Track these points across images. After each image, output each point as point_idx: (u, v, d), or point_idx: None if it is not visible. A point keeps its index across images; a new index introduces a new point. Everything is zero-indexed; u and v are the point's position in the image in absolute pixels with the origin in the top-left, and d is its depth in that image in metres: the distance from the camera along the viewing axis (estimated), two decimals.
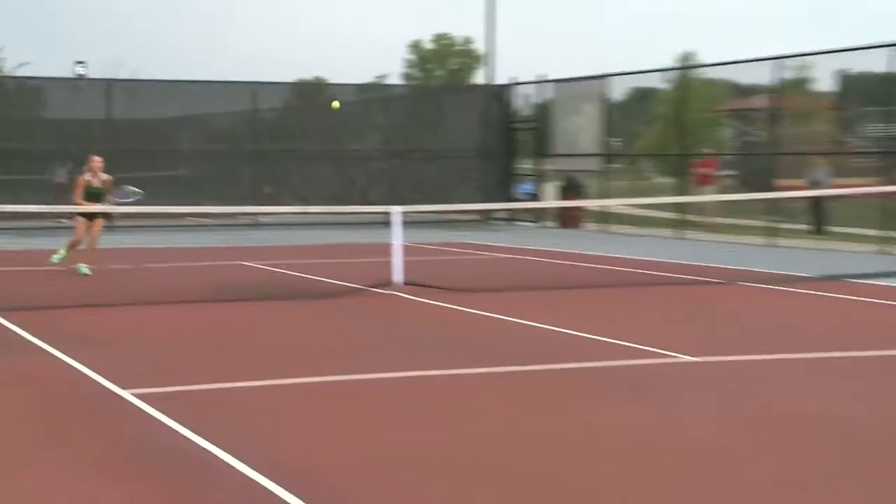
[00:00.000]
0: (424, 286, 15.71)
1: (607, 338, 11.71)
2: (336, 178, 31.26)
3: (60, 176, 29.29)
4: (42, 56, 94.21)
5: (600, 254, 22.12)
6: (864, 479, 6.72)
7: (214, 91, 31.68)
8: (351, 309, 14.42)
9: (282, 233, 25.47)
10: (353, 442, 7.56)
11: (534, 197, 32.31)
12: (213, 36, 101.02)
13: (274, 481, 6.43)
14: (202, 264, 20.06)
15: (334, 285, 16.50)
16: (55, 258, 17.80)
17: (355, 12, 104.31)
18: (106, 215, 18.82)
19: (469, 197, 30.77)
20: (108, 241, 24.25)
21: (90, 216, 17.58)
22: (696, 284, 17.06)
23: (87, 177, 17.68)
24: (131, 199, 18.81)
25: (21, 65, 56.30)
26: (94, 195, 17.59)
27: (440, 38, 77.50)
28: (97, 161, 17.89)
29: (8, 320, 12.90)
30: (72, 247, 17.82)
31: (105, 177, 17.86)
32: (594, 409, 8.66)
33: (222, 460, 6.97)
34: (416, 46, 77.28)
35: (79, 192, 17.61)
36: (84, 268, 17.48)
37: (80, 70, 32.43)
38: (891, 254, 18.68)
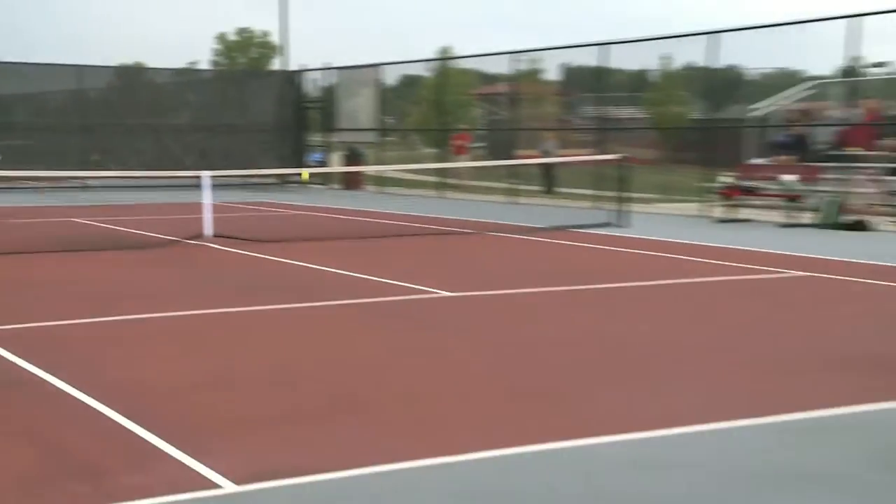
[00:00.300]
0: (231, 238, 15.49)
1: (382, 278, 11.75)
2: (155, 147, 30.47)
3: None
4: None
5: (377, 210, 22.21)
6: (584, 386, 6.96)
7: (45, 72, 30.43)
8: (168, 257, 14.10)
9: (108, 195, 24.65)
10: (169, 368, 7.44)
11: (322, 164, 32.21)
12: (48, 20, 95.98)
13: (97, 399, 6.29)
14: (37, 220, 19.26)
15: (153, 238, 16.09)
16: None
17: (171, 5, 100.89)
18: None
19: (268, 164, 30.45)
20: None
21: None
22: (453, 235, 17.28)
23: None
24: None
25: None
26: None
27: (242, 32, 76.06)
28: None
29: None
30: None
31: None
32: (373, 335, 8.70)
33: (55, 385, 6.76)
34: (221, 38, 75.66)
35: None
36: None
37: None
38: (602, 209, 19.31)
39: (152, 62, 32.33)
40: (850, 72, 20.23)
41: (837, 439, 5.70)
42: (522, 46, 26.69)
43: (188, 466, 5.15)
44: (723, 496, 4.81)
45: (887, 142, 21.77)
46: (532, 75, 29.05)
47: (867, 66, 26.26)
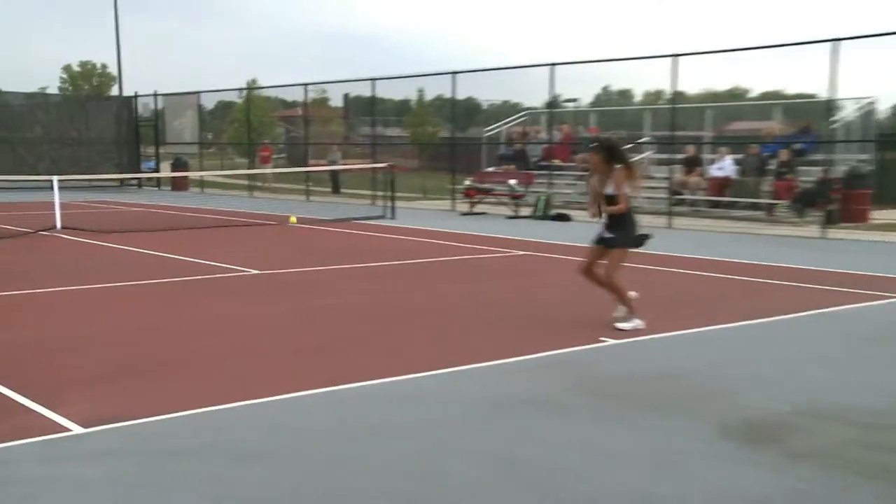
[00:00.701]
0: (77, 229, 14.62)
1: (201, 260, 11.42)
2: (10, 157, 28.26)
3: None
4: None
5: (199, 207, 21.46)
6: (360, 344, 7.00)
7: None
8: (23, 245, 13.12)
9: None
10: (22, 335, 6.97)
11: (154, 170, 30.90)
12: None
13: None
14: None
15: (11, 230, 14.92)
16: None
17: (21, 40, 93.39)
18: None
19: (110, 170, 29.01)
20: None
21: None
22: (260, 226, 16.95)
23: None
24: None
25: None
26: None
27: (84, 64, 71.64)
28: None
29: None
30: None
31: None
32: (195, 305, 8.45)
33: None
34: (67, 68, 71.00)
35: None
36: None
37: None
38: (377, 205, 19.42)
39: (7, 87, 29.77)
40: (552, 104, 21.16)
41: (543, 374, 5.99)
42: (313, 79, 26.43)
43: (42, 415, 4.86)
44: (463, 419, 4.96)
45: (579, 156, 23.01)
46: (321, 102, 28.87)
47: (564, 101, 27.61)
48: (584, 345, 6.67)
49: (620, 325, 7.24)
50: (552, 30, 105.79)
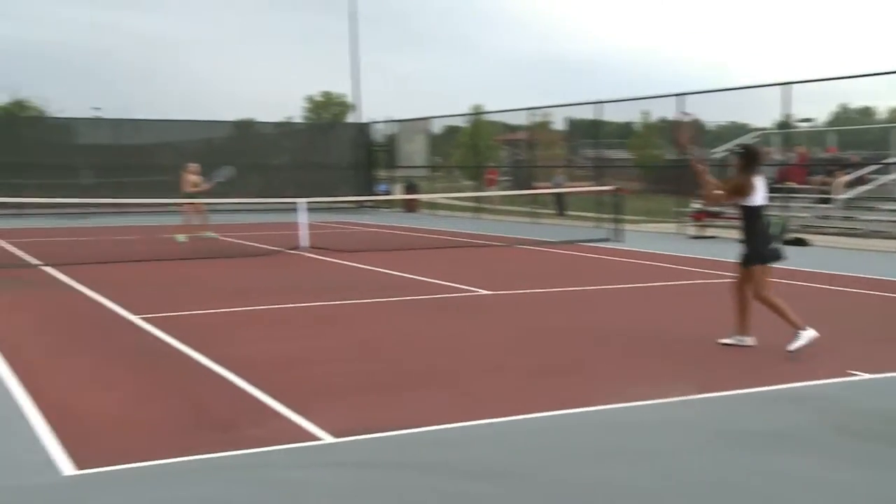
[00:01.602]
0: (321, 248, 15.56)
1: (433, 279, 11.74)
2: (261, 181, 30.74)
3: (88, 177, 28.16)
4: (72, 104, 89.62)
5: (430, 227, 22.17)
6: (587, 367, 6.89)
7: (184, 125, 30.90)
8: (274, 263, 14.15)
9: (229, 216, 24.76)
10: (280, 346, 7.48)
11: (388, 193, 32.34)
12: (182, 86, 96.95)
13: (228, 369, 6.36)
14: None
15: (263, 248, 16.16)
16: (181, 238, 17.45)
17: (270, 76, 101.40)
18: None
19: (348, 193, 30.67)
20: (121, 222, 23.36)
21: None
22: (488, 247, 17.24)
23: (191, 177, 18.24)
24: (225, 176, 18.87)
25: (60, 109, 53.81)
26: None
27: (325, 94, 76.74)
28: (193, 167, 18.60)
29: (55, 270, 12.38)
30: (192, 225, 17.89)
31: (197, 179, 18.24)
32: (432, 322, 8.70)
33: (194, 358, 6.84)
34: (309, 99, 76.38)
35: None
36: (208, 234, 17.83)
37: (96, 112, 31.02)
38: (602, 228, 19.18)
39: (260, 117, 32.49)
40: (784, 125, 19.94)
41: (782, 408, 5.59)
42: (536, 104, 26.67)
43: (295, 423, 5.15)
44: (695, 450, 4.72)
45: (816, 178, 21.48)
46: (544, 125, 28.98)
47: (797, 121, 25.96)
48: (829, 378, 6.18)
49: (791, 347, 6.80)
50: (780, 46, 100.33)
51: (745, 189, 7.04)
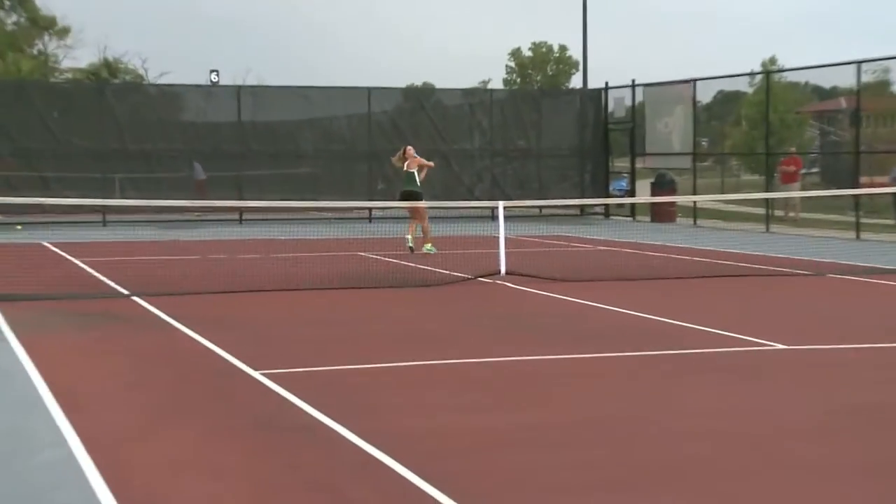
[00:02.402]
0: (527, 276, 15.64)
1: (700, 326, 11.55)
2: (444, 174, 31.16)
3: (200, 173, 29.78)
4: (180, 66, 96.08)
5: (691, 246, 21.83)
6: None
7: (332, 96, 32.11)
8: (460, 296, 14.36)
9: (393, 226, 25.50)
10: (466, 419, 7.53)
11: (628, 193, 32.08)
12: (333, 46, 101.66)
13: (385, 452, 6.47)
14: (323, 255, 20.16)
15: (443, 274, 16.43)
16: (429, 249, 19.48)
17: (459, 23, 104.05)
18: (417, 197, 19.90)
19: (567, 193, 30.74)
20: (238, 234, 24.66)
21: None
22: (785, 276, 16.77)
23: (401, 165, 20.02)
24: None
25: (162, 74, 57.71)
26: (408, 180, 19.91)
27: (538, 47, 77.54)
28: (410, 150, 20.12)
29: (149, 303, 13.15)
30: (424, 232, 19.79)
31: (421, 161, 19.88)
32: (696, 393, 8.54)
33: (337, 432, 7.04)
34: (515, 54, 77.38)
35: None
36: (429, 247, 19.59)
37: (213, 78, 32.90)
38: None
39: (441, 83, 33.17)
40: None
41: None
42: (868, 52, 25.58)
43: None
44: None
45: None
46: (881, 88, 27.77)
47: None
48: None
49: None
50: None
51: None
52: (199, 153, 29.97)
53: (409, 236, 19.81)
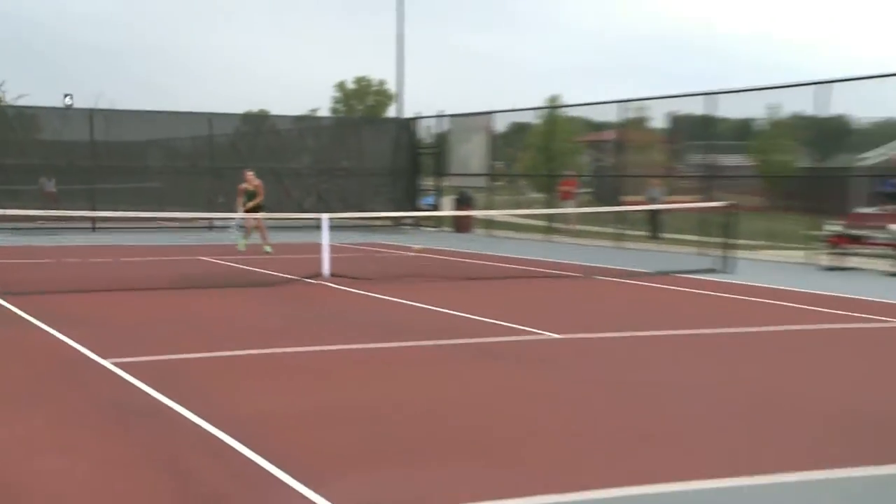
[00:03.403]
0: (347, 277, 15.72)
1: (490, 319, 11.78)
2: (276, 190, 30.96)
3: (49, 186, 29.01)
4: (37, 89, 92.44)
5: (486, 252, 22.24)
6: (678, 435, 6.86)
7: (177, 120, 31.43)
8: (288, 295, 14.32)
9: (231, 234, 25.24)
10: (289, 401, 7.58)
11: (434, 207, 32.45)
12: (178, 72, 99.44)
13: (225, 431, 6.46)
14: (167, 259, 19.83)
15: (274, 276, 16.37)
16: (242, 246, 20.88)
17: (291, 56, 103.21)
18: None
19: (382, 207, 30.86)
20: (91, 240, 23.94)
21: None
22: (560, 278, 17.22)
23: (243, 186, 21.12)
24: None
25: (20, 96, 55.30)
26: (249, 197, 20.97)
27: (360, 80, 77.41)
28: (249, 174, 21.42)
29: (7, 302, 12.72)
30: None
31: (256, 182, 21.10)
32: (482, 375, 8.74)
33: (181, 415, 6.98)
34: (340, 86, 77.11)
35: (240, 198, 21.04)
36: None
37: (67, 101, 31.83)
38: (707, 255, 19.05)
39: (276, 109, 32.94)
40: None
41: None
42: (629, 95, 26.54)
43: (305, 497, 5.24)
44: None
45: None
46: (639, 123, 28.86)
47: None
48: None
49: None
50: None
51: None
52: (56, 168, 29.06)
53: (244, 241, 20.95)
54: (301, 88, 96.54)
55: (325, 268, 16.02)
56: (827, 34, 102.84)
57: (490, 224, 30.56)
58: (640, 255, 21.79)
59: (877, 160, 23.94)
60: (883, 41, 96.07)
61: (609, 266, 18.80)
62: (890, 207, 20.52)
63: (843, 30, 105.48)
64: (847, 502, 5.36)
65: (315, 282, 15.58)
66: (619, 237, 25.34)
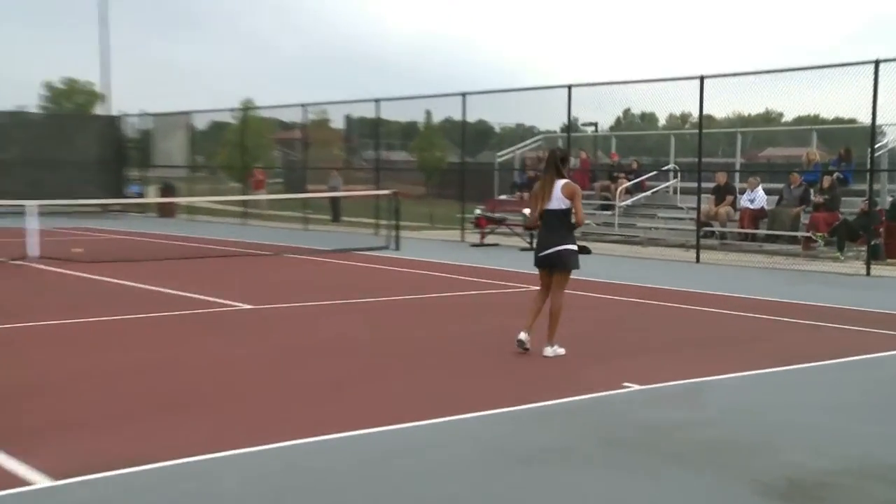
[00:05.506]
0: (54, 258, 14.65)
1: (189, 293, 11.41)
2: None
3: None
4: None
5: (188, 235, 21.52)
6: (354, 387, 6.91)
7: None
8: None
9: None
10: (12, 373, 6.94)
11: (140, 195, 31.11)
12: None
13: None
14: None
15: None
16: None
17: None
18: None
19: (92, 195, 29.10)
20: None
21: None
22: (254, 256, 16.94)
23: None
24: None
25: None
26: None
27: (68, 81, 72.35)
28: None
29: None
30: None
31: None
32: (183, 342, 8.40)
33: None
34: (48, 85, 71.69)
35: None
36: None
37: None
38: (380, 235, 19.42)
39: None
40: (569, 128, 21.07)
41: (558, 422, 5.90)
42: (314, 100, 26.58)
43: (7, 468, 4.78)
44: (469, 470, 4.88)
45: (598, 183, 23.00)
46: (321, 123, 28.95)
47: (583, 125, 27.70)
48: (604, 390, 6.59)
49: (547, 353, 7.73)
50: (570, 50, 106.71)
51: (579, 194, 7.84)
52: None
53: None
54: (13, 87, 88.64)
55: (32, 250, 14.83)
56: (468, 51, 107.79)
57: (192, 210, 29.66)
58: (324, 236, 21.82)
59: (510, 157, 25.45)
60: (516, 60, 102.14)
61: (296, 245, 18.72)
62: (521, 195, 21.86)
63: (482, 47, 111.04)
64: (469, 437, 5.57)
65: (21, 263, 14.36)
66: (305, 220, 25.27)
